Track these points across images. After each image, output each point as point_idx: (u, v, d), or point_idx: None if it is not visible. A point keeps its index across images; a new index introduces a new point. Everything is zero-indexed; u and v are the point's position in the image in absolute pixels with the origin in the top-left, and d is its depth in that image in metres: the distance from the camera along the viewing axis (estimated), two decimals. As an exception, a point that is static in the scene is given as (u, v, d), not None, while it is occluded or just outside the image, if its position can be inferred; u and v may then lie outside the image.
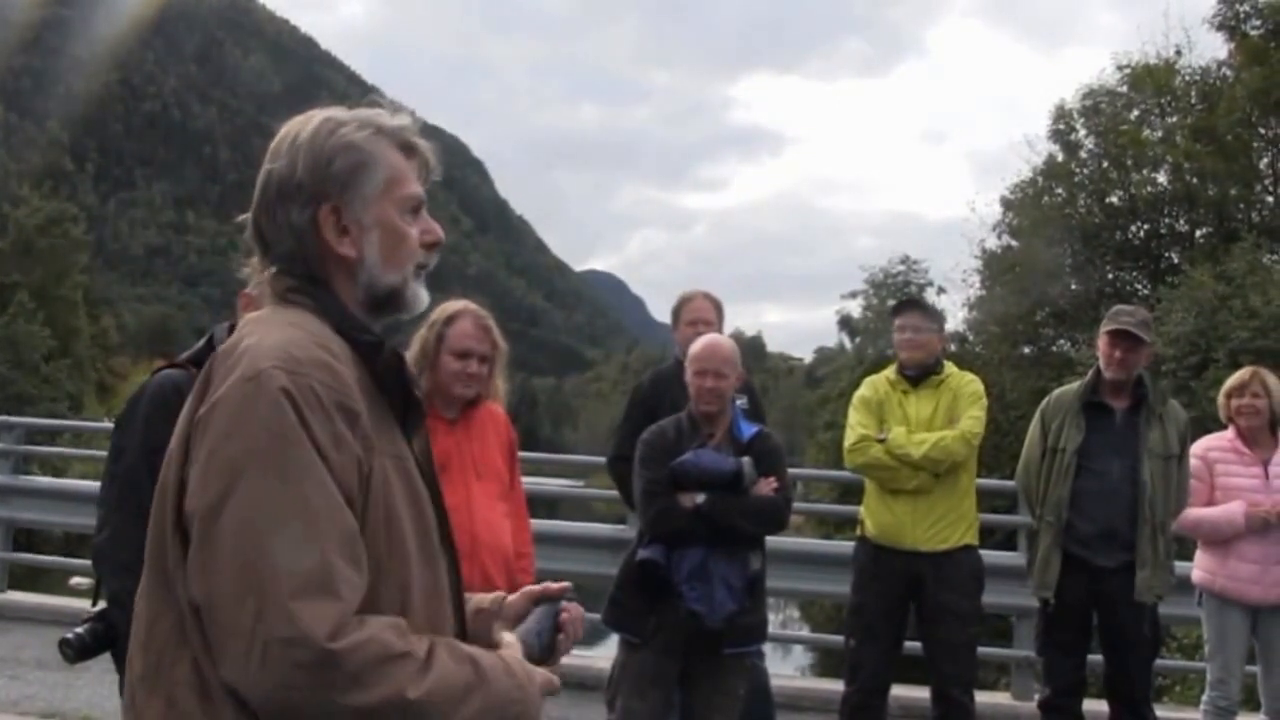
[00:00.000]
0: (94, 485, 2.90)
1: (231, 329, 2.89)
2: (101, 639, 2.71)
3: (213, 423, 1.37)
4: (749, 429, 4.00)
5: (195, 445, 1.40)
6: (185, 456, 1.42)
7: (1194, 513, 4.73)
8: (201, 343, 2.90)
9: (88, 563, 2.89)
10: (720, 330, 4.81)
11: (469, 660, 1.42)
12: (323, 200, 1.51)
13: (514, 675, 1.46)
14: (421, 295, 1.61)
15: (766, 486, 3.85)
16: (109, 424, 2.91)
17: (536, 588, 1.73)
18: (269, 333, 1.44)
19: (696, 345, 4.03)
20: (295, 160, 1.52)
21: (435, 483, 1.57)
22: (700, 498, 3.80)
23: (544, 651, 1.64)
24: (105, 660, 2.79)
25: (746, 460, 3.84)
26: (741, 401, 4.82)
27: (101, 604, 2.77)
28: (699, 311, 4.85)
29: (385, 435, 1.47)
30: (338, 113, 1.57)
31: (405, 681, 1.32)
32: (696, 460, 3.85)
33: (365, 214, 1.53)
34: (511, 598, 1.74)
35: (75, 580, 9.42)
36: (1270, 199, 23.62)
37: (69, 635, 2.71)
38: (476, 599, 1.72)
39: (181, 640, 1.39)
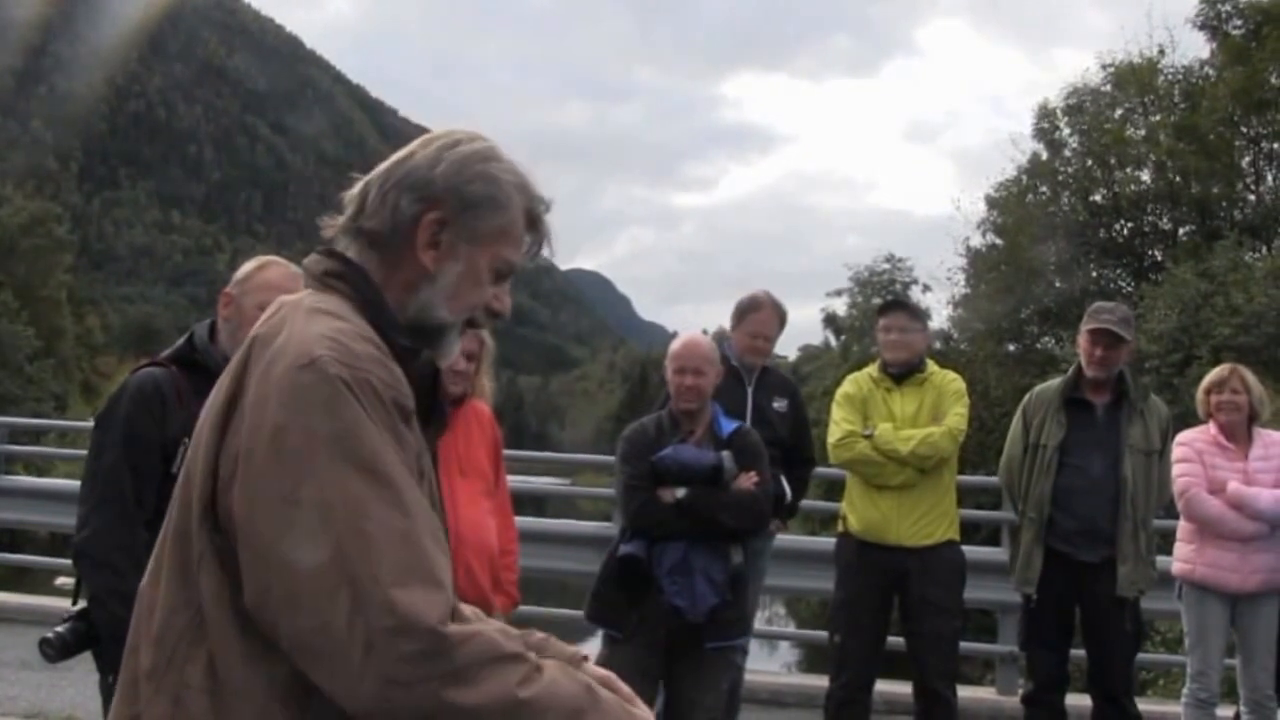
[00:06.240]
0: (78, 485, 2.89)
1: (213, 327, 2.90)
2: (83, 638, 2.69)
3: (269, 412, 1.29)
4: (729, 425, 4.03)
5: (236, 433, 1.32)
6: (219, 444, 1.34)
7: (1216, 507, 4.68)
8: (182, 341, 2.89)
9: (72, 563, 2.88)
10: (775, 341, 5.00)
11: (583, 683, 1.35)
12: (438, 206, 1.46)
13: (631, 714, 1.38)
14: (455, 350, 1.56)
15: (747, 481, 3.87)
16: (93, 424, 2.90)
17: None
18: (313, 320, 1.38)
19: (676, 344, 4.09)
20: (440, 160, 1.47)
21: (440, 491, 1.54)
22: (681, 492, 3.82)
23: None
24: (89, 660, 2.77)
25: (726, 455, 3.87)
26: (780, 405, 4.86)
27: (82, 603, 2.75)
28: (762, 326, 4.90)
29: (419, 438, 1.44)
30: (503, 152, 1.53)
31: (514, 682, 1.26)
32: (676, 455, 3.87)
33: (462, 245, 1.48)
34: None
35: (60, 580, 9.34)
36: (1252, 197, 23.75)
37: (49, 634, 2.68)
38: None
39: (197, 638, 1.32)
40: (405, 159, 1.49)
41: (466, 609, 1.32)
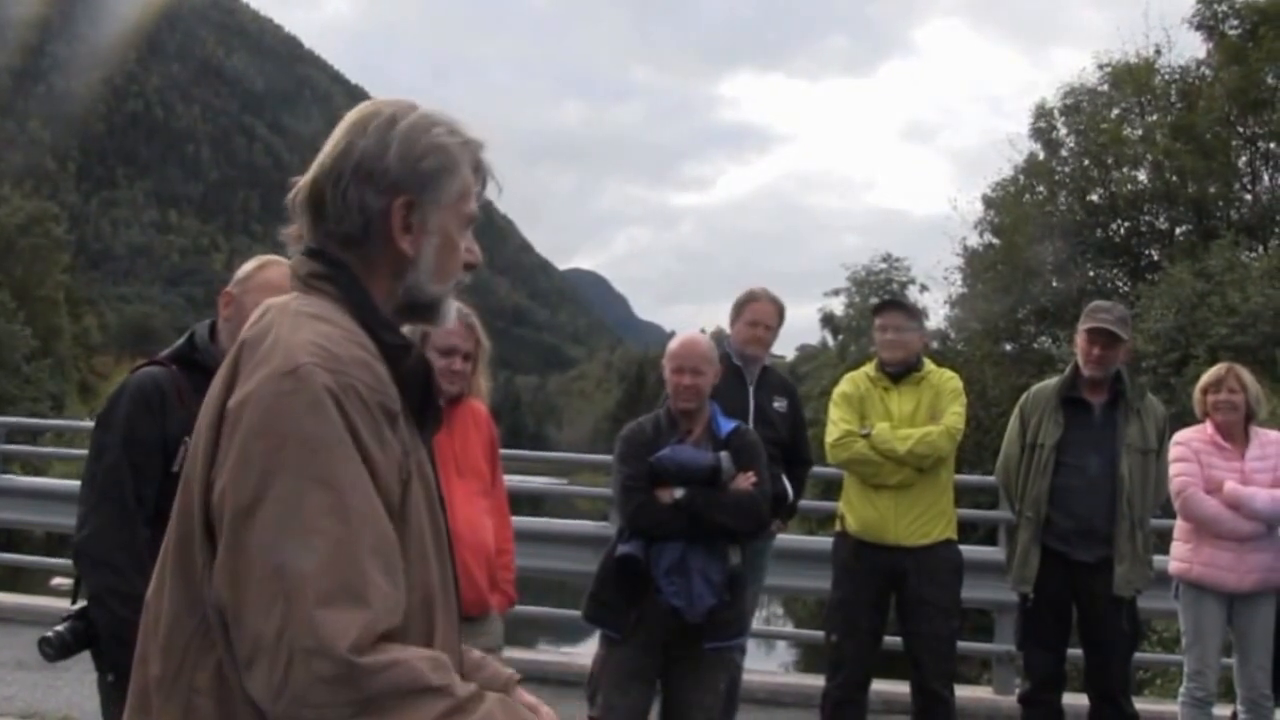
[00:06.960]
0: (75, 485, 2.88)
1: (213, 326, 2.89)
2: (82, 637, 2.69)
3: (245, 417, 1.30)
4: (727, 425, 4.03)
5: (224, 439, 1.33)
6: (213, 450, 1.35)
7: (1212, 507, 4.69)
8: (182, 340, 2.89)
9: (69, 563, 2.88)
10: (776, 333, 4.98)
11: None
12: (402, 192, 1.46)
13: None
14: (452, 315, 1.58)
15: (745, 481, 3.87)
16: (91, 423, 2.90)
17: None
18: (300, 324, 1.38)
19: (674, 343, 4.07)
20: (387, 145, 1.46)
21: (440, 489, 1.53)
22: (679, 492, 3.82)
23: None
24: (86, 660, 2.77)
25: (724, 455, 3.86)
26: (781, 405, 4.87)
27: (81, 602, 2.75)
28: (761, 315, 4.93)
29: (412, 438, 1.44)
30: (432, 110, 1.53)
31: (433, 716, 1.25)
32: (674, 455, 3.87)
33: (432, 218, 1.49)
34: None
35: (56, 581, 9.35)
36: (1248, 196, 23.81)
37: (49, 634, 2.68)
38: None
39: (205, 645, 1.33)
40: (348, 151, 1.47)
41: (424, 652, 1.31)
